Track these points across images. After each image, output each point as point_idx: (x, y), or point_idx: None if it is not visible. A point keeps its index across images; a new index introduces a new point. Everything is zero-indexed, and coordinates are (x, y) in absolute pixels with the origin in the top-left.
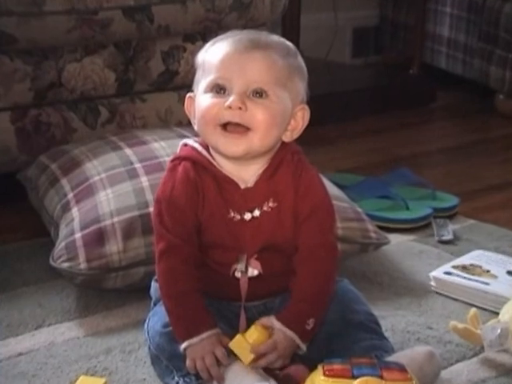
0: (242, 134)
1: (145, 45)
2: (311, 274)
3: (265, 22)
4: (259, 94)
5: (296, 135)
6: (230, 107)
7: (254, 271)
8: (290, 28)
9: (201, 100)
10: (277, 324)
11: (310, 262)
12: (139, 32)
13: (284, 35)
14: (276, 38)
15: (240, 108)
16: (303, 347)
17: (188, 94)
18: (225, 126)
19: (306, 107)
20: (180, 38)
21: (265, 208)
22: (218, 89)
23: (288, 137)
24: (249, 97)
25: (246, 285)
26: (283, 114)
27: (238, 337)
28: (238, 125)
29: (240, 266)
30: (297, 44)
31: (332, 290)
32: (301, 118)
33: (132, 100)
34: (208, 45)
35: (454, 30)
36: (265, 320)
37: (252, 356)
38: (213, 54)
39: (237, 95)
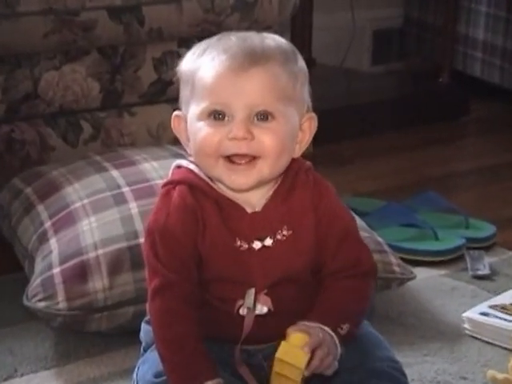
0: (250, 165)
1: (134, 51)
2: (343, 291)
3: (271, 24)
4: (264, 116)
5: (304, 147)
6: (234, 138)
7: (263, 308)
8: (300, 31)
9: (196, 129)
10: (312, 324)
11: (344, 282)
12: (127, 36)
13: (293, 39)
14: (271, 42)
15: (245, 138)
16: (339, 348)
17: (175, 113)
18: (229, 157)
19: (313, 115)
20: (174, 42)
21: (278, 236)
22: (216, 115)
23: (297, 151)
24: (253, 122)
25: (251, 324)
26: (292, 133)
27: (284, 344)
28: (244, 154)
29: (247, 302)
30: (308, 49)
31: (366, 309)
32: (308, 128)
33: (119, 114)
34: (193, 54)
35: (491, 32)
36: (295, 327)
37: (308, 355)
38: (203, 73)
39: (240, 123)
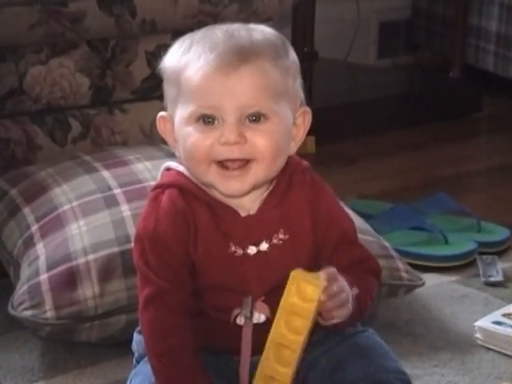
0: (244, 169)
1: (125, 44)
2: (348, 279)
3: (271, 16)
4: (257, 118)
5: (299, 143)
6: (226, 143)
7: (260, 316)
8: (302, 23)
9: (185, 134)
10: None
11: (348, 276)
12: (119, 28)
13: (295, 31)
14: (260, 36)
15: (238, 142)
16: (351, 297)
17: (159, 114)
18: (221, 162)
19: (307, 109)
20: (168, 35)
21: (274, 240)
22: (206, 119)
23: (292, 148)
24: (245, 124)
25: (250, 334)
26: (287, 133)
27: (296, 270)
28: (237, 159)
29: (244, 311)
30: (311, 42)
31: (372, 303)
32: (302, 123)
33: (110, 111)
34: (178, 49)
35: (505, 23)
36: None
37: (325, 282)
38: (189, 73)
39: (232, 126)
